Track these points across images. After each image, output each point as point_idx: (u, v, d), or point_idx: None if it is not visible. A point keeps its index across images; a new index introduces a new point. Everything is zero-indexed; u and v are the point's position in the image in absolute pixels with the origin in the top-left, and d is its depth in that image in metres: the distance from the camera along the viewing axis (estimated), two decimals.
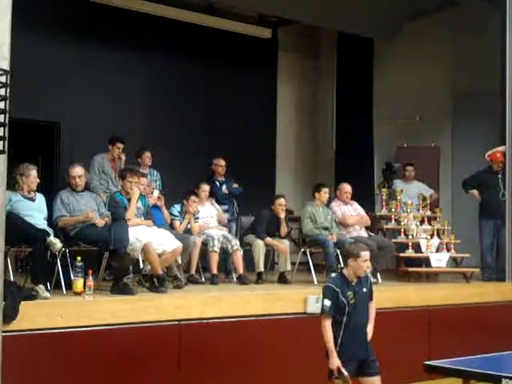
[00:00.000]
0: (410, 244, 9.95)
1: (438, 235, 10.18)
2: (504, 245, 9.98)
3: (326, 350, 5.62)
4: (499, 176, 10.22)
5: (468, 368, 5.43)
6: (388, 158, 12.38)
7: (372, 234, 9.88)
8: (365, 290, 5.71)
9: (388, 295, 8.50)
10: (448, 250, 10.02)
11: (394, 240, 10.03)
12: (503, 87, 10.09)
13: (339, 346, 5.56)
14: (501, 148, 10.26)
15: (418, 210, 10.66)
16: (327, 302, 5.56)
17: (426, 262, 9.93)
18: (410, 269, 9.87)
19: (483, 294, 9.51)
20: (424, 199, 10.83)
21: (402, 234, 10.17)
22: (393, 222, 10.46)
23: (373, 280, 8.79)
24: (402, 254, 9.98)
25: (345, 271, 5.73)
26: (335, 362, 5.49)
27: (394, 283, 9.60)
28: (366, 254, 5.67)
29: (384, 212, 10.68)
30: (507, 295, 9.64)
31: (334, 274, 6.03)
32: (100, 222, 7.31)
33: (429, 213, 10.73)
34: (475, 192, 10.44)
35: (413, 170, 11.32)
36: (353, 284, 5.66)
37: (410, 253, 9.94)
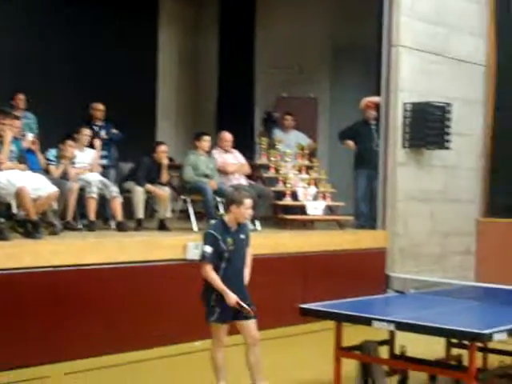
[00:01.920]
0: (288, 192, 10.14)
1: (315, 184, 10.42)
2: (377, 193, 10.35)
3: (201, 293, 5.68)
4: (373, 127, 10.56)
5: (340, 311, 5.61)
6: (268, 107, 12.48)
7: (252, 183, 9.99)
8: (243, 236, 5.77)
9: (266, 242, 8.66)
10: (324, 198, 10.30)
11: (272, 188, 10.19)
12: (379, 40, 10.34)
13: (217, 291, 5.62)
14: (375, 98, 10.57)
15: (297, 159, 10.86)
16: (207, 249, 5.58)
17: (302, 209, 10.15)
18: (288, 216, 10.08)
19: (357, 240, 9.86)
20: (302, 148, 11.03)
21: (281, 182, 10.34)
22: (272, 170, 10.61)
23: (251, 227, 8.99)
24: (280, 202, 10.17)
25: (226, 218, 5.76)
26: (231, 297, 5.56)
27: (272, 230, 9.78)
28: (249, 202, 5.71)
29: (263, 161, 10.81)
30: (379, 242, 10.04)
31: (213, 221, 6.05)
32: None
33: (307, 162, 10.95)
34: (350, 143, 10.74)
35: (291, 120, 11.47)
36: (232, 230, 5.71)
37: (287, 201, 10.14)
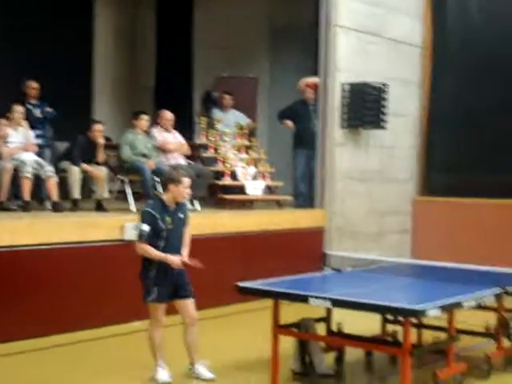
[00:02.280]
0: (227, 172, 10.12)
1: (255, 164, 10.42)
2: (315, 173, 10.42)
3: (139, 273, 5.64)
4: (311, 107, 10.61)
5: (278, 289, 5.64)
6: (207, 87, 12.40)
7: (191, 162, 9.94)
8: (181, 215, 5.75)
9: (205, 222, 8.65)
10: (263, 178, 10.32)
11: (211, 168, 10.15)
12: (317, 20, 10.36)
13: (155, 270, 5.59)
14: (313, 78, 10.62)
15: (236, 139, 10.84)
16: (145, 227, 5.54)
17: (242, 189, 10.15)
18: (227, 196, 10.07)
19: (295, 220, 9.93)
20: (241, 128, 11.01)
21: (220, 162, 10.31)
22: (211, 150, 10.57)
23: (191, 207, 8.96)
24: (219, 182, 10.14)
25: (164, 196, 5.72)
26: (174, 258, 5.55)
27: (211, 210, 9.75)
28: (187, 181, 5.69)
29: (203, 141, 10.75)
30: (318, 221, 10.12)
31: (151, 200, 5.99)
32: None
33: (246, 142, 10.94)
34: (289, 123, 10.77)
35: (230, 99, 11.42)
36: (171, 210, 5.68)
37: (227, 181, 10.12)
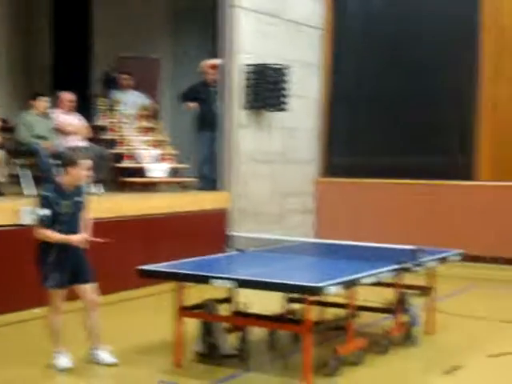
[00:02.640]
0: (130, 154, 9.97)
1: (158, 146, 10.31)
2: (219, 155, 10.41)
3: (37, 258, 5.51)
4: (214, 89, 10.57)
5: (180, 271, 5.61)
6: (108, 67, 12.16)
7: (91, 144, 9.73)
8: (79, 199, 5.62)
9: (107, 205, 8.50)
10: (167, 160, 10.22)
11: (113, 150, 9.97)
12: (216, 1, 10.32)
13: (54, 255, 5.46)
14: (215, 60, 10.58)
15: (138, 120, 10.69)
16: (43, 211, 5.39)
17: (144, 172, 10.03)
18: (128, 179, 9.93)
19: (199, 202, 9.90)
20: (145, 109, 10.86)
21: (121, 144, 10.14)
22: (112, 132, 10.39)
23: (92, 190, 8.80)
24: (121, 165, 9.99)
25: (62, 179, 5.57)
26: (76, 237, 5.44)
27: (113, 193, 9.60)
28: (86, 163, 5.55)
29: (103, 122, 10.55)
30: (221, 203, 10.13)
31: (48, 184, 5.81)
32: None
33: (148, 124, 10.80)
34: (192, 104, 10.71)
35: (129, 79, 11.22)
36: (69, 193, 5.54)
37: (129, 163, 9.98)
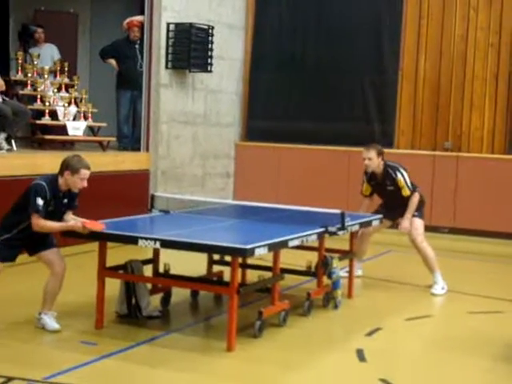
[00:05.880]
0: (47, 111, 9.65)
1: (76, 103, 10.01)
2: (140, 115, 10.20)
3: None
4: (137, 46, 10.32)
5: (104, 230, 5.46)
6: (25, 20, 11.70)
7: (6, 99, 9.33)
8: (66, 200, 5.44)
9: (23, 163, 8.18)
10: (85, 118, 9.94)
11: (30, 106, 9.61)
12: None
13: (14, 235, 5.33)
14: (139, 17, 10.32)
15: (56, 76, 10.33)
16: (40, 201, 5.21)
17: (62, 129, 9.73)
18: (47, 136, 9.62)
19: (119, 162, 9.67)
20: (61, 64, 10.50)
21: (39, 100, 9.79)
22: (29, 87, 10.02)
23: (7, 147, 8.50)
24: (38, 122, 9.65)
25: (59, 179, 5.36)
26: (76, 224, 5.32)
27: (30, 151, 9.28)
28: (86, 173, 5.35)
29: (20, 77, 10.15)
30: (142, 164, 9.96)
31: (49, 175, 5.51)
32: None
33: (66, 80, 10.46)
34: (113, 61, 10.44)
35: (42, 33, 10.83)
36: (59, 195, 5.37)
37: (46, 120, 9.66)
